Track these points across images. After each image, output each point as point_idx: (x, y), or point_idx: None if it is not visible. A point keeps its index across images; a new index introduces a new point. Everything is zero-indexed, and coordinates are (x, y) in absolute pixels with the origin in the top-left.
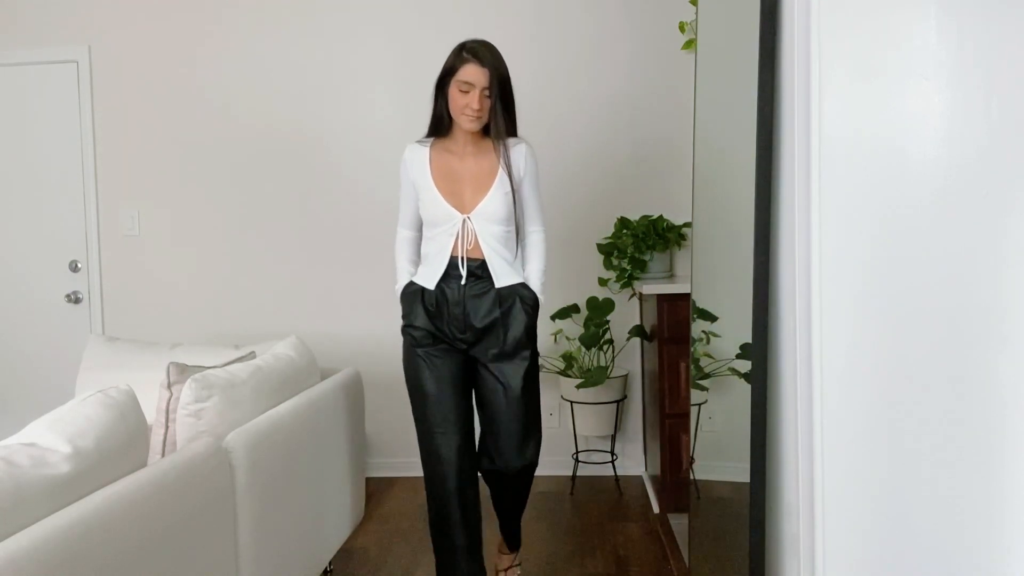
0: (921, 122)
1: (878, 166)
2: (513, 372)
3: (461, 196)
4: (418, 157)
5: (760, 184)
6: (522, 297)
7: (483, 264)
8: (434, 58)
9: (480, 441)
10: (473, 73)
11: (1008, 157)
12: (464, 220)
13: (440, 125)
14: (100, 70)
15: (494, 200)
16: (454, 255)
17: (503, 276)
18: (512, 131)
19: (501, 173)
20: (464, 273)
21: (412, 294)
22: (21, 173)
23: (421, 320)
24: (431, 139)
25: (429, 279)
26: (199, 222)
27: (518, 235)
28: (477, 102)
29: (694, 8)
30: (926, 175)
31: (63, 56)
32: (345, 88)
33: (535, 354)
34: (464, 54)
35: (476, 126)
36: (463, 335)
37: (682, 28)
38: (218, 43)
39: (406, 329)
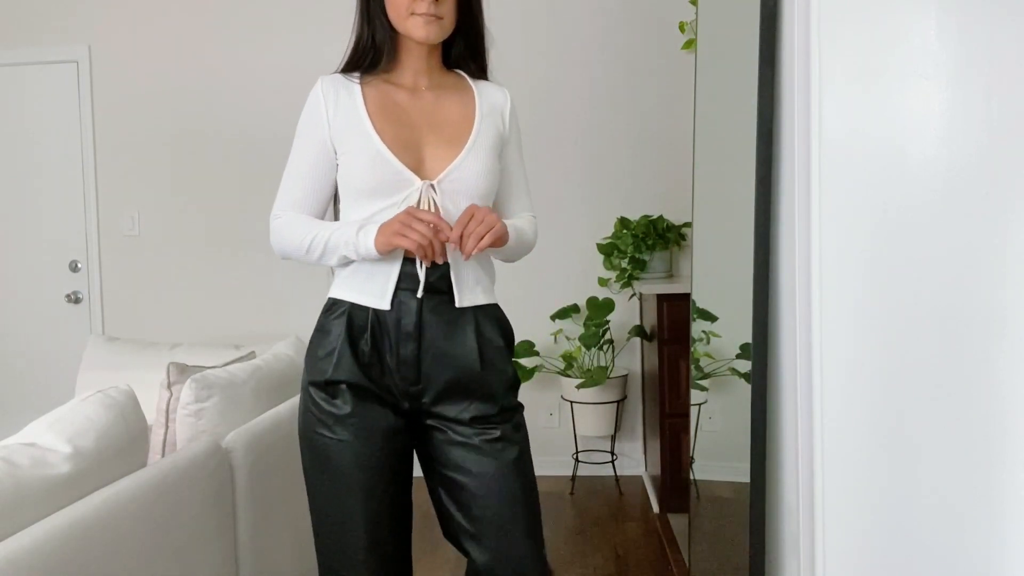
0: (921, 122)
1: (878, 166)
2: (500, 453)
3: (417, 151)
4: (342, 92)
5: (760, 184)
6: (500, 322)
7: (447, 272)
8: None
9: (458, 535)
10: None
11: (1008, 157)
12: (424, 188)
13: (379, 50)
14: (100, 70)
15: (471, 160)
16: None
17: (469, 291)
18: (486, 66)
19: (481, 122)
20: (422, 283)
21: (330, 321)
22: (21, 173)
23: (345, 368)
24: (358, 73)
25: (363, 293)
26: (199, 222)
27: None
28: None
29: (694, 8)
30: (926, 175)
31: (63, 56)
32: None
33: (521, 412)
34: None
35: (436, 35)
36: (413, 388)
37: (682, 28)
38: (218, 43)
39: (311, 387)
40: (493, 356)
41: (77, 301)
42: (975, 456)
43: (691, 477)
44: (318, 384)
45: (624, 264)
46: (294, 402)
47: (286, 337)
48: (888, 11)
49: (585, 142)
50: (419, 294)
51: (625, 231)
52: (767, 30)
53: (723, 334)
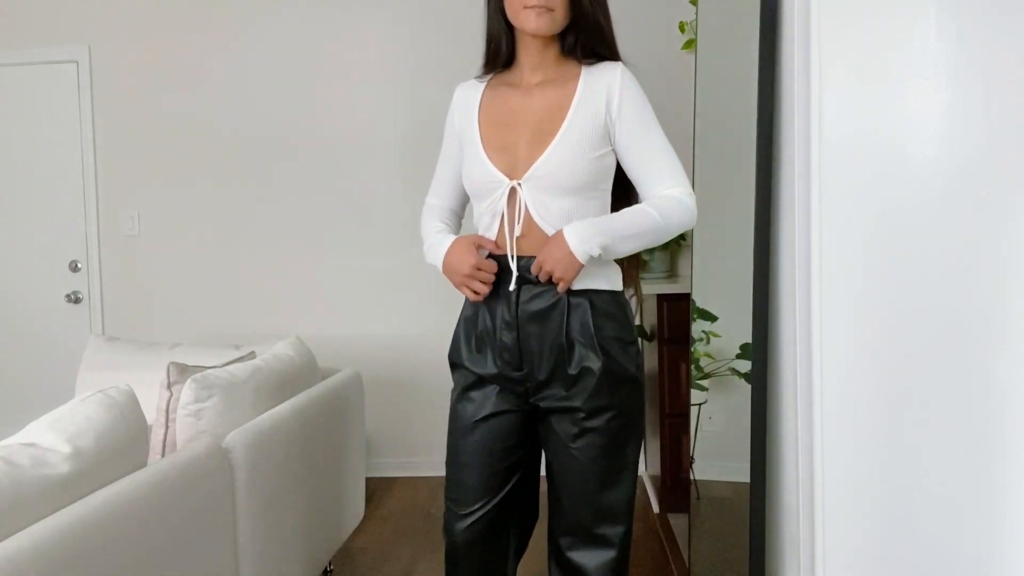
0: (921, 122)
1: (878, 166)
2: (581, 435)
3: (514, 151)
4: (468, 98)
5: (760, 184)
6: (601, 311)
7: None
8: (432, 55)
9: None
10: None
11: (1008, 157)
12: (513, 189)
13: (498, 48)
14: (100, 70)
15: (557, 155)
16: (501, 248)
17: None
18: (610, 52)
19: (576, 111)
20: (514, 275)
21: (461, 311)
22: (21, 173)
23: (459, 352)
24: (491, 75)
25: None
26: (199, 222)
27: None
28: None
29: (694, 8)
30: (926, 175)
31: (63, 56)
32: (346, 87)
33: (630, 404)
34: None
35: (547, 26)
36: (518, 373)
37: (682, 28)
38: (218, 43)
39: (451, 364)
40: (582, 348)
41: (77, 301)
42: (975, 456)
43: (691, 477)
44: (450, 363)
45: (624, 264)
46: (294, 402)
47: (286, 337)
48: (888, 11)
49: None
50: (512, 287)
51: None
52: (767, 30)
53: (723, 334)
